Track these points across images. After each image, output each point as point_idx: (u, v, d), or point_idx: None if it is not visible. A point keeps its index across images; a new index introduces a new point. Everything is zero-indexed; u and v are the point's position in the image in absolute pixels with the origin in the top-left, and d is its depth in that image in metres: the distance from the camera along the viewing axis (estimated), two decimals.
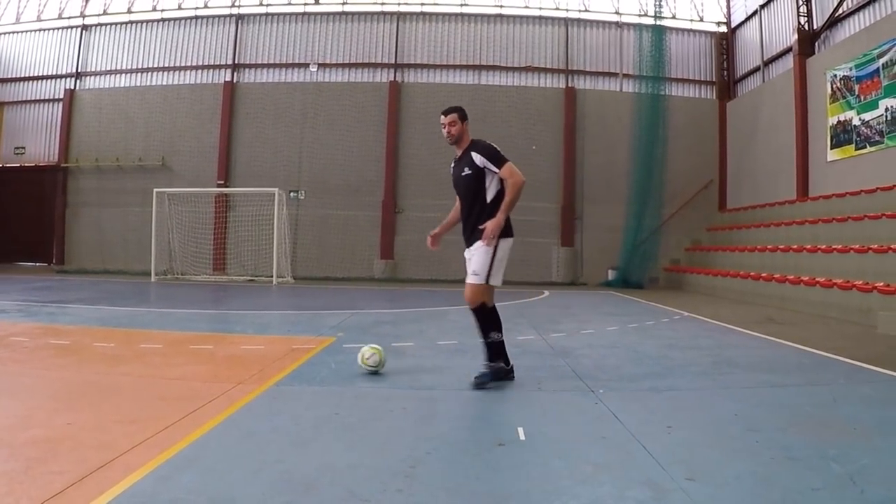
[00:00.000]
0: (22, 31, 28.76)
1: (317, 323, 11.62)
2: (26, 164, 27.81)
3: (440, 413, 5.36)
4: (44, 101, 27.98)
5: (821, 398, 5.98)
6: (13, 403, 5.37)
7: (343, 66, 26.39)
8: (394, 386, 6.30)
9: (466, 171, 6.33)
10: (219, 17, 27.06)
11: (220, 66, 26.76)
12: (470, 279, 6.22)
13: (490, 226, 6.04)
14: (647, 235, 22.68)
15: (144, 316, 12.28)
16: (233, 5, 26.97)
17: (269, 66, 26.72)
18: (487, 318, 6.28)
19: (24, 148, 27.91)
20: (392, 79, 25.97)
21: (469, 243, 6.35)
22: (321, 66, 26.22)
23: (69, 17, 28.15)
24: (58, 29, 28.24)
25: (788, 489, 3.61)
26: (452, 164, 6.62)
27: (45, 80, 28.18)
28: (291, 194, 24.24)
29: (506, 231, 6.19)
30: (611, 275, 23.50)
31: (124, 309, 13.25)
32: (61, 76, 27.88)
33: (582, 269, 24.64)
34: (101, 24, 27.91)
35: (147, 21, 27.62)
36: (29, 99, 28.23)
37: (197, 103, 26.11)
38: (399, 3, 26.50)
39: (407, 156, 25.33)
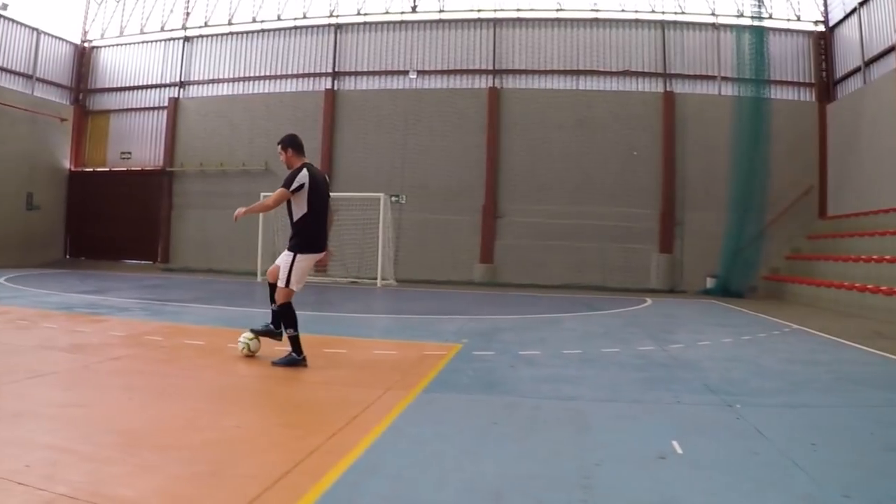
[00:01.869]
0: (126, 44, 30.10)
1: (437, 328, 11.85)
2: (132, 168, 29.13)
3: (593, 424, 5.47)
4: (149, 108, 29.38)
5: None
6: (174, 405, 5.67)
7: (442, 72, 26.79)
8: (538, 396, 6.44)
9: None
10: (318, 26, 27.80)
11: (320, 75, 27.49)
12: (278, 283, 7.43)
13: (239, 210, 7.57)
14: (747, 242, 22.25)
15: (264, 317, 12.66)
16: (331, 15, 27.60)
17: (368, 73, 27.31)
18: (286, 316, 7.39)
19: (130, 153, 29.24)
20: (491, 85, 26.20)
21: None
22: (420, 73, 26.67)
23: (171, 30, 29.34)
24: (161, 41, 29.49)
25: None
26: None
27: (149, 90, 29.53)
28: (393, 198, 24.35)
29: (304, 247, 7.41)
30: (709, 283, 22.99)
31: (240, 309, 13.82)
32: (165, 85, 29.15)
33: (681, 277, 24.26)
34: (202, 36, 29.07)
35: (247, 32, 28.58)
36: (134, 107, 29.59)
37: (299, 110, 26.79)
38: (495, 10, 26.67)
39: (507, 161, 25.47)
